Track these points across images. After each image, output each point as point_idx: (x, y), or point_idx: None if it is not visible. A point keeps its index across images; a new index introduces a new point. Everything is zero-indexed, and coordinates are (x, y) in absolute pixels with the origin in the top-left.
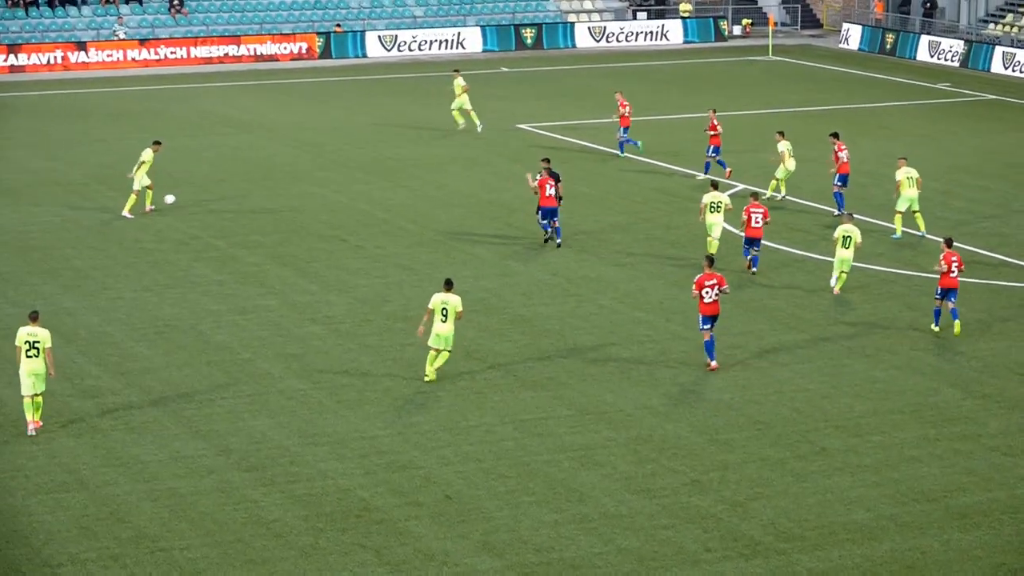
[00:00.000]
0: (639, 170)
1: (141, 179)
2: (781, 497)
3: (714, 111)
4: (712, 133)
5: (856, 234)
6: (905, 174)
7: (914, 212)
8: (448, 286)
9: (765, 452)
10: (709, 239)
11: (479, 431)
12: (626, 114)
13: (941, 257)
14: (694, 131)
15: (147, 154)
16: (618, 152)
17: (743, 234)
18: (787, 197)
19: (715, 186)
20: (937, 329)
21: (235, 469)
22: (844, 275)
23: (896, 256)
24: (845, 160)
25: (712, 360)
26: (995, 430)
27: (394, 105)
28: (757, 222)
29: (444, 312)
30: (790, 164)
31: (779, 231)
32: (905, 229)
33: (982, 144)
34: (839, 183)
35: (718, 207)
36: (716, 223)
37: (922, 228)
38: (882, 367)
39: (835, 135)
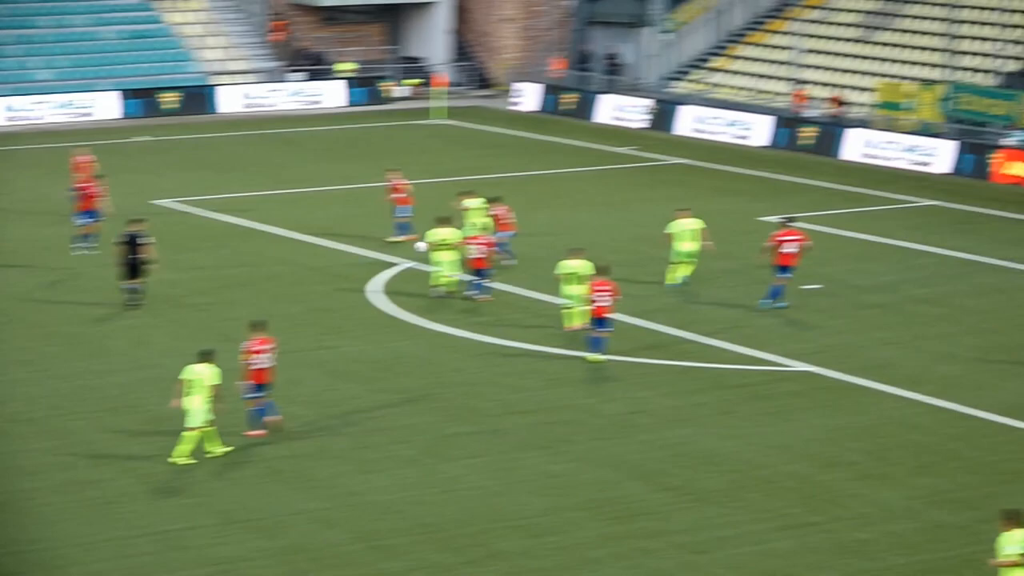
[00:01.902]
0: (290, 248)
1: None
2: None
3: (397, 172)
4: (397, 195)
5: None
6: (680, 227)
7: (679, 264)
8: (204, 358)
9: (432, 558)
10: (439, 277)
11: (110, 547)
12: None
13: (589, 285)
14: (352, 204)
15: None
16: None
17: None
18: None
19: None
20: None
21: None
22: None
23: (570, 337)
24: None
25: (261, 426)
26: (683, 525)
27: (11, 181)
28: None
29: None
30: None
31: (442, 312)
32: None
33: (669, 212)
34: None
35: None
36: (448, 260)
37: (669, 279)
38: (560, 460)
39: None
